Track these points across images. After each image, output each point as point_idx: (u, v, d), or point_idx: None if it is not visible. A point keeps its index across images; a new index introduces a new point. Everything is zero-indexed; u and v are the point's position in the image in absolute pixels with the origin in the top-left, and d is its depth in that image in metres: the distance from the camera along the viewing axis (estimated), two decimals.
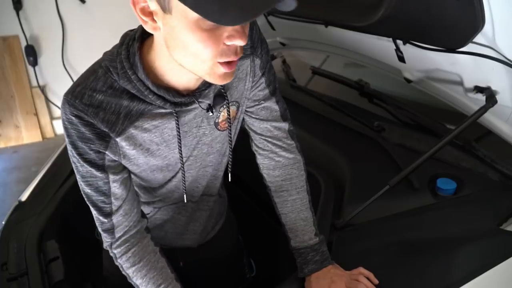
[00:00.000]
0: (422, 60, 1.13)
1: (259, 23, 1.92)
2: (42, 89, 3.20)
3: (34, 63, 3.10)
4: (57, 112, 3.30)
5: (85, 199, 0.81)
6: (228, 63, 0.64)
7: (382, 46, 1.21)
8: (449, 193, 1.06)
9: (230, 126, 0.85)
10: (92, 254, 1.17)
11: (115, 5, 3.07)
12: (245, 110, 0.89)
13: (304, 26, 1.40)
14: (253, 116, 0.89)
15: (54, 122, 3.31)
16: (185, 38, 0.61)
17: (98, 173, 0.76)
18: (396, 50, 1.15)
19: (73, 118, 0.70)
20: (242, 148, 0.95)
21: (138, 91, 0.71)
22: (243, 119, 0.91)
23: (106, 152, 0.75)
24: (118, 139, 0.74)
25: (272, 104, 0.88)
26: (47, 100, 3.23)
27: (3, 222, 1.20)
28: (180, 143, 0.79)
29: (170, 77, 0.71)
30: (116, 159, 0.77)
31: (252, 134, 0.92)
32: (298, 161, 0.93)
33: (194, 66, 0.65)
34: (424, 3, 0.90)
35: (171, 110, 0.75)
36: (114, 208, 0.80)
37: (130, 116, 0.73)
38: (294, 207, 0.91)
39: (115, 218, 0.81)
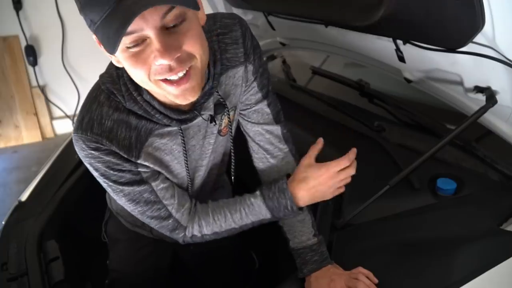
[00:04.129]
0: (422, 60, 1.13)
1: (259, 23, 1.92)
2: (42, 89, 3.19)
3: (34, 63, 3.10)
4: (57, 112, 3.30)
5: (143, 219, 0.83)
6: (175, 82, 0.65)
7: (382, 46, 1.21)
8: (449, 193, 1.06)
9: (232, 131, 0.89)
10: (92, 254, 1.17)
11: None
12: (239, 112, 0.91)
13: (304, 26, 1.40)
14: (245, 118, 0.91)
15: (54, 122, 3.30)
16: (125, 65, 0.65)
17: (140, 188, 0.78)
18: (396, 50, 1.15)
19: (93, 151, 0.71)
20: (241, 147, 0.95)
21: (145, 111, 0.73)
22: (238, 121, 0.93)
23: (139, 169, 0.77)
24: (139, 161, 0.77)
25: (263, 107, 0.89)
26: (47, 100, 3.22)
27: (3, 222, 1.20)
28: (187, 158, 0.82)
29: (163, 98, 0.73)
30: (149, 171, 0.79)
31: (246, 137, 0.95)
32: (292, 165, 0.94)
33: (149, 89, 0.69)
34: (424, 3, 0.90)
35: (176, 128, 0.77)
36: (170, 208, 0.82)
37: (139, 138, 0.75)
38: None
39: (176, 214, 0.83)
